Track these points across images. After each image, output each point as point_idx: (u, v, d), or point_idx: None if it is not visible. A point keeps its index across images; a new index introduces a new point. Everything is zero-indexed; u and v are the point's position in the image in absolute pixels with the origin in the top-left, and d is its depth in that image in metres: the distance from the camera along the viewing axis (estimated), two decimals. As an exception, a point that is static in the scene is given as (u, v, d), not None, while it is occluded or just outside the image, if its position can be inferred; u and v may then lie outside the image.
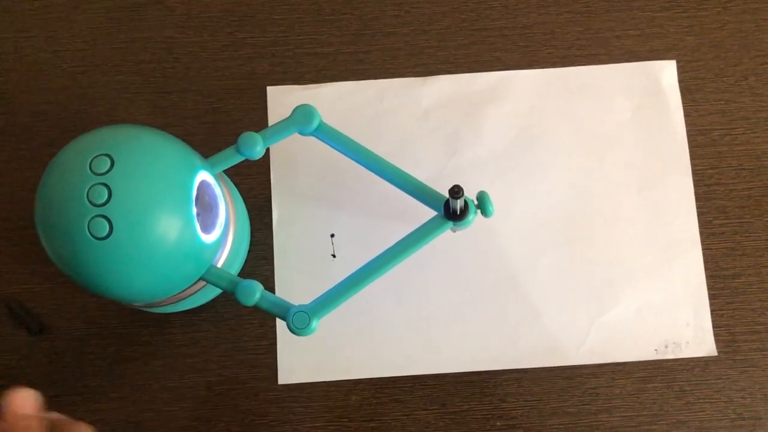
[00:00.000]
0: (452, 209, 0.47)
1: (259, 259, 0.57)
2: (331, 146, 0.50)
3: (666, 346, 0.56)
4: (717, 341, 0.56)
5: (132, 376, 0.56)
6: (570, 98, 0.60)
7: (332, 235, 0.58)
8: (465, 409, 0.56)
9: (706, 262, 0.57)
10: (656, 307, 0.57)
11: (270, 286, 0.57)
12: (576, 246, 0.57)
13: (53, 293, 0.57)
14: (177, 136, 0.48)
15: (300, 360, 0.56)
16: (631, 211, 0.58)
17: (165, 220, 0.42)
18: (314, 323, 0.46)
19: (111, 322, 0.57)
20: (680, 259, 0.57)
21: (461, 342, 0.56)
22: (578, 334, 0.56)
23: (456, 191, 0.44)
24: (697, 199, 0.58)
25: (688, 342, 0.56)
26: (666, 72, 0.60)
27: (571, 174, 0.59)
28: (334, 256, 0.57)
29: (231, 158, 0.49)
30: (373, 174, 0.50)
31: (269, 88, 0.60)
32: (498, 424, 0.56)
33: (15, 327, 0.57)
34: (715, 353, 0.56)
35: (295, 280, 0.57)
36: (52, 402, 0.55)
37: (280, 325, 0.57)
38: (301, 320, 0.46)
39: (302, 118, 0.49)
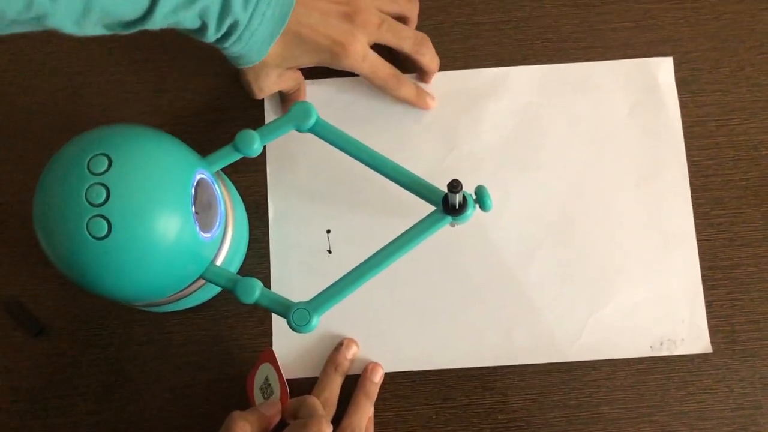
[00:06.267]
0: (451, 204, 0.47)
1: (258, 257, 0.57)
2: (328, 142, 0.50)
3: (661, 343, 0.56)
4: (716, 332, 0.56)
5: (132, 376, 0.56)
6: (567, 94, 0.60)
7: (328, 231, 0.58)
8: (466, 403, 0.56)
9: (703, 253, 0.57)
10: (652, 303, 0.56)
11: (269, 284, 0.57)
12: (573, 241, 0.57)
13: (52, 294, 0.57)
14: (174, 135, 0.48)
15: (299, 357, 0.56)
16: (627, 207, 0.58)
17: (164, 219, 0.42)
18: (315, 320, 0.46)
19: (111, 323, 0.57)
20: (676, 255, 0.57)
21: (458, 338, 0.56)
22: (573, 331, 0.56)
23: (455, 185, 0.44)
24: (694, 190, 0.58)
25: (683, 339, 0.56)
26: (662, 69, 0.60)
27: (569, 169, 0.59)
28: (329, 252, 0.57)
29: (229, 156, 0.49)
30: (369, 170, 0.50)
31: (265, 86, 0.60)
32: (499, 417, 0.56)
33: (15, 328, 0.57)
34: (710, 350, 0.56)
35: (291, 277, 0.57)
36: (53, 403, 0.56)
37: (276, 322, 0.56)
38: (301, 317, 0.46)
39: (299, 115, 0.49)
